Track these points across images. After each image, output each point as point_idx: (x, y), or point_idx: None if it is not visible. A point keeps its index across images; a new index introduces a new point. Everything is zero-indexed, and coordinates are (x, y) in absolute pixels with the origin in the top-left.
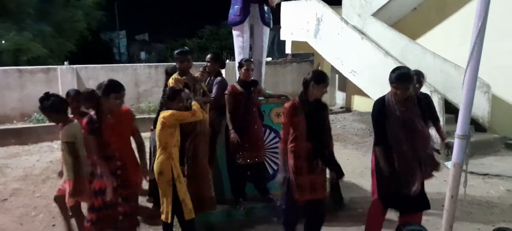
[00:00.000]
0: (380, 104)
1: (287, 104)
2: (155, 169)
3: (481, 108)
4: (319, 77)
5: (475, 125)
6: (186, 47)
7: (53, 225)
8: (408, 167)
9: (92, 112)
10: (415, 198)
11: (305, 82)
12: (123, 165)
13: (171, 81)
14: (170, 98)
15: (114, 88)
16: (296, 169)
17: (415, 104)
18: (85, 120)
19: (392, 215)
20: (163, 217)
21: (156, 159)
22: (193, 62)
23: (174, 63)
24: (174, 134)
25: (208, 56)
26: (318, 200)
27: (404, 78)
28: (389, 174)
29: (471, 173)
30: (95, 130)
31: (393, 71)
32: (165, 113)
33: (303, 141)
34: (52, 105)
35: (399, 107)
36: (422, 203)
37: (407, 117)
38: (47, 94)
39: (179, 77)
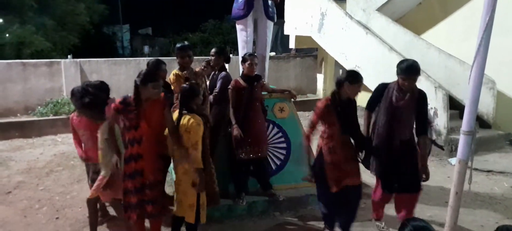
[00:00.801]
0: (382, 87)
1: (320, 104)
2: (179, 168)
3: (486, 105)
4: (354, 77)
5: (480, 121)
6: (187, 42)
7: (57, 218)
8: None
9: (129, 95)
10: (405, 179)
11: (338, 82)
12: (140, 154)
13: (172, 77)
14: (195, 94)
15: (152, 77)
16: (333, 164)
17: (415, 98)
18: (118, 100)
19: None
20: (190, 218)
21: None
22: (196, 57)
23: (156, 57)
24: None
25: (213, 50)
26: (354, 186)
27: (412, 70)
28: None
29: (475, 169)
30: (127, 112)
31: (402, 62)
32: (192, 120)
33: (338, 137)
34: (89, 103)
35: (396, 95)
36: (410, 185)
37: (399, 105)
38: (85, 90)
39: (180, 72)
